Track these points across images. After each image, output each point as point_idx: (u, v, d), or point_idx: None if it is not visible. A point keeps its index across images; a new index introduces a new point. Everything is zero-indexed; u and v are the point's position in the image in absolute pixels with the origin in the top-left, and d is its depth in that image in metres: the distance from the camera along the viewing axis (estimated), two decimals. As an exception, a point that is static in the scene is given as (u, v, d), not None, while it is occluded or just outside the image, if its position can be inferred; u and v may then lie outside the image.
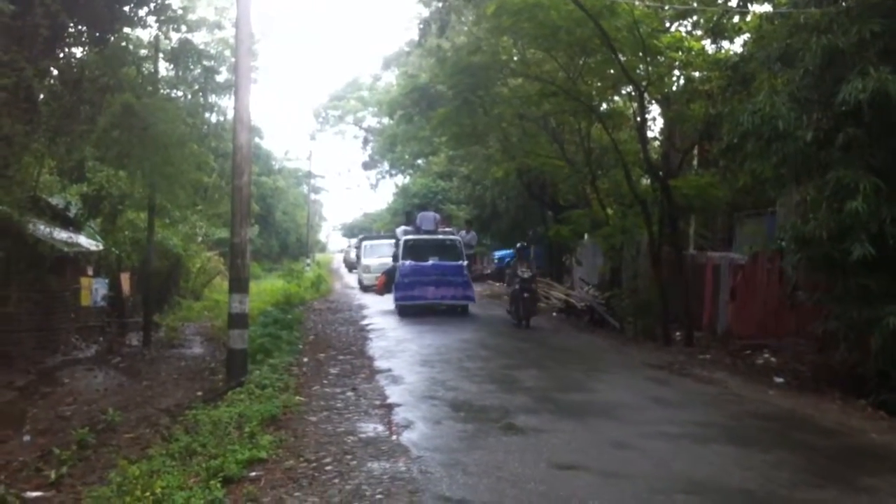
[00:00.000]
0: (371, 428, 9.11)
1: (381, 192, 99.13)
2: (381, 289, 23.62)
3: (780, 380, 12.36)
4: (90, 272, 19.05)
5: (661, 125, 21.13)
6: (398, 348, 15.28)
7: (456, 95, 18.46)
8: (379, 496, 6.55)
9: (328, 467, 7.50)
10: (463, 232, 26.51)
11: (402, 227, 24.72)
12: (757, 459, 7.78)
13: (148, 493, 6.51)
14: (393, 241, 25.72)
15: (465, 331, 18.38)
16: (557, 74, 18.38)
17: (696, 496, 6.57)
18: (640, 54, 15.97)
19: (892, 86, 8.72)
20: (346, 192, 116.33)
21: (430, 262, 21.26)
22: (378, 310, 23.30)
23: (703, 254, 19.29)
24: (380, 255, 30.74)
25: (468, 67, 18.04)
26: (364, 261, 33.46)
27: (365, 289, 31.33)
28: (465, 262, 21.81)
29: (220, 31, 21.22)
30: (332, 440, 8.54)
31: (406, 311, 20.92)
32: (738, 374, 12.92)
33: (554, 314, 22.73)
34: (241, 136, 12.41)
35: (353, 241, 54.76)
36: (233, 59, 20.69)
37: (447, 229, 24.53)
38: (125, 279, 21.46)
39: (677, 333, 17.09)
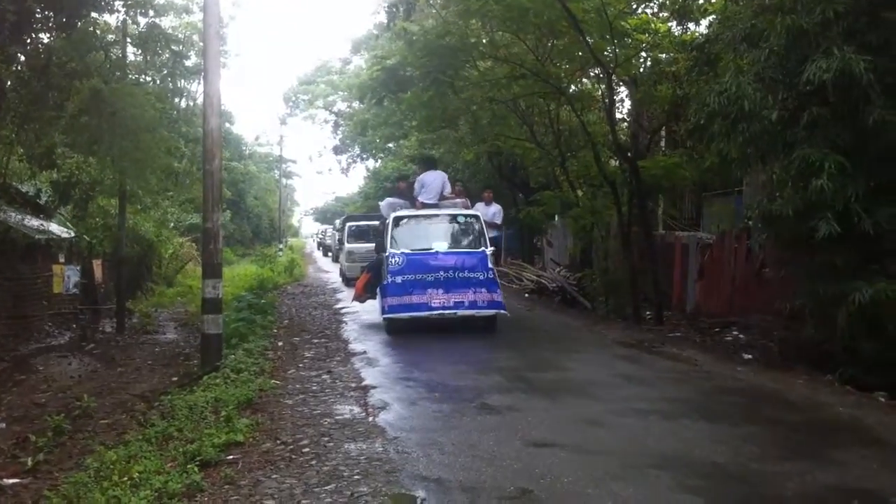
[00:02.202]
0: (347, 410, 9.18)
1: (353, 177, 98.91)
2: (361, 293, 16.10)
3: (748, 356, 12.55)
4: (62, 259, 18.95)
5: (629, 107, 21.28)
6: (372, 331, 15.34)
7: (425, 76, 18.41)
8: (357, 476, 6.64)
9: (305, 449, 7.57)
10: (480, 205, 18.32)
11: (389, 199, 16.70)
12: (727, 434, 7.94)
13: (126, 478, 6.56)
14: (380, 223, 17.39)
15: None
16: (527, 57, 18.43)
17: (669, 470, 6.71)
18: (608, 36, 16.06)
19: (855, 65, 8.86)
20: (318, 176, 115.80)
21: (436, 250, 14.37)
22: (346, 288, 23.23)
23: (672, 233, 19.50)
24: (366, 239, 26.09)
25: (437, 50, 18.01)
26: (348, 246, 28.09)
27: (348, 281, 25.83)
28: (490, 251, 14.58)
29: (188, 15, 21.01)
30: (309, 422, 8.61)
31: (399, 328, 14.25)
32: (707, 351, 13.10)
33: (526, 295, 22.86)
34: (212, 120, 12.38)
35: (329, 225, 54.32)
36: (202, 44, 20.71)
37: (458, 200, 16.40)
38: (97, 266, 21.34)
39: (647, 312, 17.29)
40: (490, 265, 14.19)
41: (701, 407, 9.20)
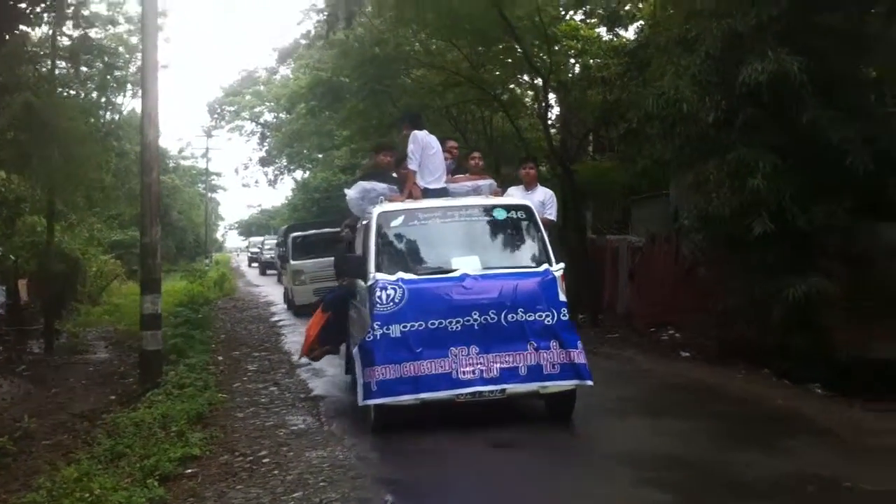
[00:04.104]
0: (301, 420, 9.18)
1: (281, 189, 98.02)
2: (314, 345, 10.53)
3: (685, 354, 12.89)
4: (-15, 280, 18.35)
5: (558, 112, 21.65)
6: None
7: (362, 87, 18.47)
8: (322, 483, 6.66)
9: (265, 460, 7.55)
10: (516, 189, 10.53)
11: (363, 185, 9.80)
12: (677, 428, 8.18)
13: (87, 495, 6.44)
14: (342, 227, 11.32)
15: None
16: (461, 64, 18.63)
17: (627, 466, 6.89)
18: (539, 43, 16.36)
19: (790, 67, 9.22)
20: (243, 189, 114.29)
21: (461, 273, 8.32)
22: (284, 304, 23.05)
23: (603, 237, 19.84)
24: (318, 253, 19.96)
25: (374, 59, 18.10)
26: (294, 263, 21.51)
27: (297, 310, 20.52)
28: (560, 271, 8.56)
29: (113, 27, 20.60)
30: (264, 434, 8.58)
31: (396, 421, 8.13)
32: (646, 351, 13.41)
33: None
34: (150, 132, 12.20)
35: (263, 236, 53.07)
36: (128, 56, 20.39)
37: (481, 182, 9.97)
38: (23, 286, 20.69)
39: (580, 315, 17.57)
40: (563, 297, 8.32)
41: (648, 404, 9.46)
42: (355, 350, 8.39)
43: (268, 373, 12.47)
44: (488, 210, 8.99)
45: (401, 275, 8.13)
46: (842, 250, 10.09)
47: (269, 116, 46.54)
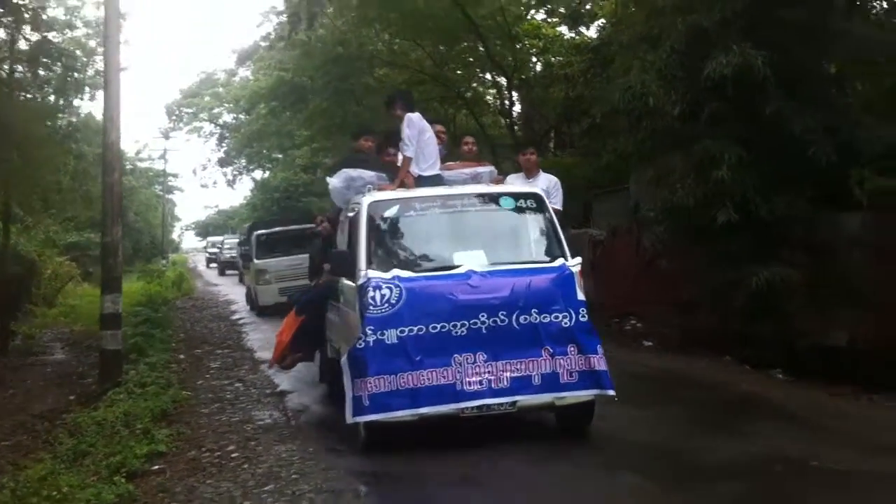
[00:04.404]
0: (267, 415, 9.11)
1: (240, 189, 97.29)
2: (286, 351, 9.64)
3: (648, 343, 13.02)
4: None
5: (520, 110, 21.75)
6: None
7: (325, 86, 18.39)
8: (294, 476, 6.61)
9: (234, 454, 7.47)
10: (516, 177, 9.57)
11: (348, 172, 8.76)
12: (645, 415, 8.25)
13: (55, 493, 6.31)
14: (318, 221, 10.83)
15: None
16: (425, 62, 18.65)
17: (599, 453, 6.95)
18: (502, 42, 16.44)
19: (754, 60, 9.36)
20: (201, 190, 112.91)
21: (466, 269, 7.35)
22: (240, 299, 22.84)
23: (567, 230, 19.88)
24: (283, 251, 19.77)
25: (337, 59, 18.04)
26: (258, 262, 20.49)
27: (261, 311, 19.83)
28: (577, 266, 7.64)
29: (71, 31, 20.31)
30: (231, 429, 8.50)
31: (392, 439, 7.09)
32: (609, 341, 13.33)
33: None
34: (112, 133, 12.11)
35: (224, 236, 52.00)
36: (85, 59, 20.09)
37: (481, 169, 9.10)
38: (-24, 289, 20.27)
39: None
40: (581, 295, 7.40)
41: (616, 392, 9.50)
42: (343, 359, 7.21)
43: (231, 370, 12.34)
44: (494, 199, 7.97)
45: (396, 272, 7.12)
46: (803, 240, 10.25)
47: (228, 117, 46.12)
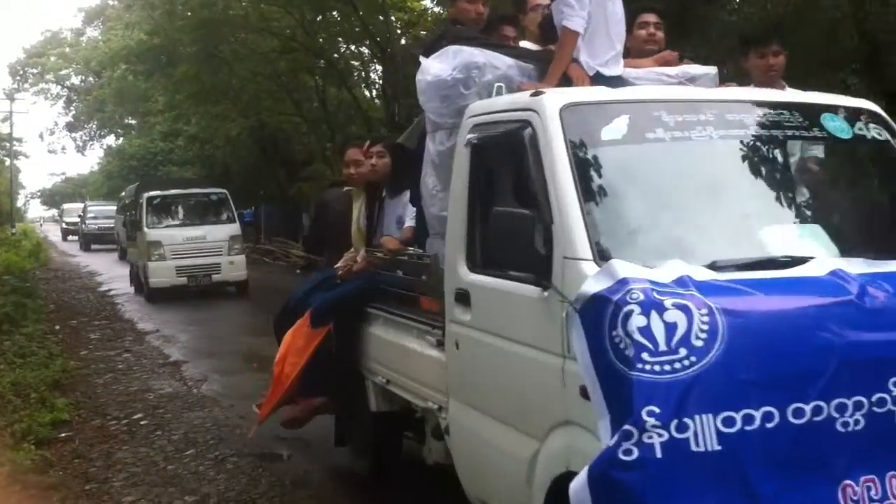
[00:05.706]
0: (167, 384, 9.14)
1: (91, 156, 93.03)
2: (292, 395, 5.60)
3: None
4: None
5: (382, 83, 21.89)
6: (156, 311, 14.87)
7: (197, 52, 17.97)
8: (212, 441, 6.75)
9: (143, 422, 7.53)
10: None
11: (469, 54, 4.06)
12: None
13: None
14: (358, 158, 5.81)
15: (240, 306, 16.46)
16: (297, 30, 18.56)
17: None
18: (367, 12, 16.53)
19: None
20: (48, 156, 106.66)
21: (826, 268, 2.99)
22: (112, 275, 22.15)
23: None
24: (184, 219, 17.05)
25: (205, 22, 17.65)
26: (151, 233, 16.63)
27: (152, 295, 16.33)
28: None
29: None
30: (133, 398, 8.50)
31: None
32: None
33: (298, 271, 22.92)
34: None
35: (86, 202, 48.01)
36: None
37: (696, 70, 4.53)
38: None
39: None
40: None
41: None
42: (576, 486, 2.70)
43: (114, 341, 12.15)
44: (814, 115, 3.75)
45: (679, 268, 2.95)
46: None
47: (76, 80, 44.05)
